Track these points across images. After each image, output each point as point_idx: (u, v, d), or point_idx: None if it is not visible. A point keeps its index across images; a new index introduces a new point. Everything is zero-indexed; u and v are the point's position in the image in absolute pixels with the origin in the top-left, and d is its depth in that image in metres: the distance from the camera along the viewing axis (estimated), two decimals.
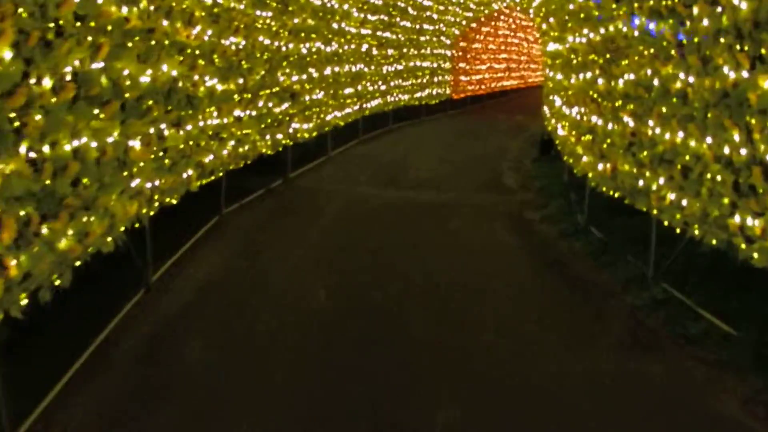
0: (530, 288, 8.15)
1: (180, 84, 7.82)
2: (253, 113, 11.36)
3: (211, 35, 8.84)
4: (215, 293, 7.76)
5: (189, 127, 8.28)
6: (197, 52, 8.41)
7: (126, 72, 6.20)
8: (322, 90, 15.43)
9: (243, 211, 11.48)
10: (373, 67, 19.76)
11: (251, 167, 11.56)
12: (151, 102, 6.88)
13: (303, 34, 13.79)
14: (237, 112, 10.55)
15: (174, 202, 8.14)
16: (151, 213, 7.44)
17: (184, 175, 8.37)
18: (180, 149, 8.04)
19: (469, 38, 29.60)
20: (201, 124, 8.83)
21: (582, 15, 9.97)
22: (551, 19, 13.30)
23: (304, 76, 14.15)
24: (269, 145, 12.36)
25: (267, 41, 11.67)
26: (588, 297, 7.87)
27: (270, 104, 12.14)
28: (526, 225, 10.86)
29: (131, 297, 7.43)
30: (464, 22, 27.47)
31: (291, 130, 13.59)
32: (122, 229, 6.49)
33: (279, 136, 12.86)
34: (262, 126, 11.85)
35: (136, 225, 7.01)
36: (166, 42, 7.34)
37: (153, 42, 6.94)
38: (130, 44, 6.29)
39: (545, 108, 17.85)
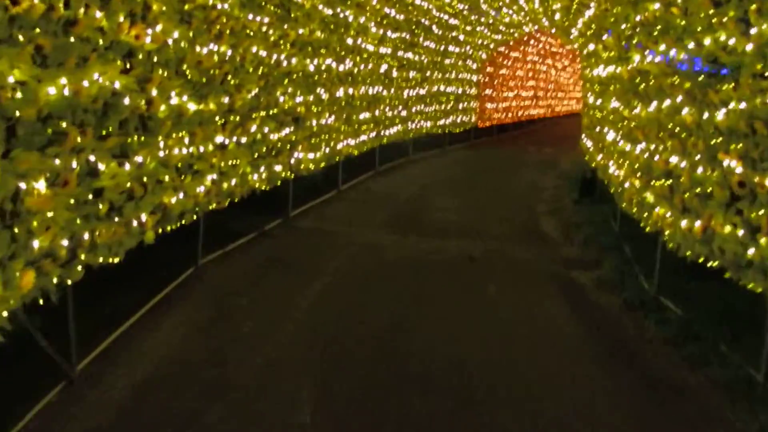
0: (597, 398, 5.87)
1: (126, 100, 5.70)
2: (243, 140, 9.28)
3: (177, 38, 6.73)
4: (158, 395, 5.58)
5: (140, 159, 6.17)
6: (155, 59, 6.31)
7: (11, 79, 4.10)
8: (332, 114, 13.35)
9: (225, 261, 9.37)
10: (392, 91, 17.69)
11: (244, 203, 9.50)
12: (65, 123, 4.76)
13: (310, 48, 11.73)
14: (220, 139, 8.46)
15: (115, 260, 6.00)
16: (71, 280, 5.28)
17: (134, 223, 6.24)
18: (125, 188, 5.94)
19: (497, 63, 27.52)
20: (162, 153, 6.72)
21: (658, 27, 7.80)
22: (605, 37, 11.15)
23: (311, 97, 12.08)
24: (264, 179, 10.27)
25: (263, 53, 9.59)
26: (680, 415, 5.62)
27: (266, 129, 10.07)
28: (577, 292, 8.64)
29: (43, 395, 5.30)
30: (492, 46, 25.39)
31: (293, 161, 11.50)
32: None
33: (277, 167, 10.77)
34: (255, 156, 9.76)
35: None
36: (100, 41, 5.24)
37: (72, 39, 4.83)
38: (20, 37, 4.19)
39: (585, 140, 15.68)
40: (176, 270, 8.41)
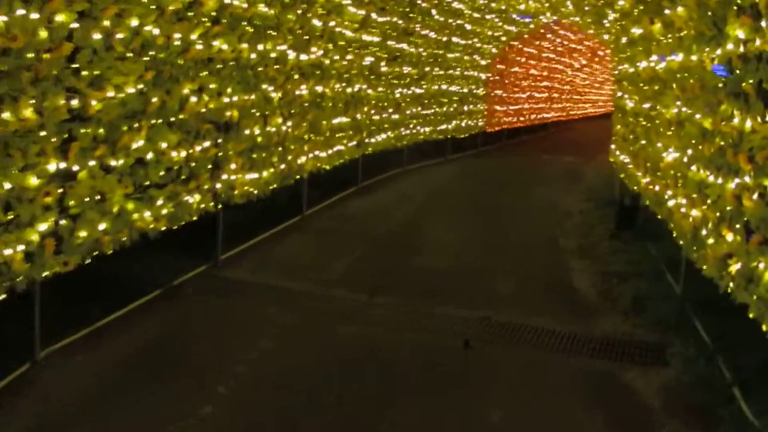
0: None
1: None
2: (115, 163, 5.96)
3: None
4: None
5: None
6: None
7: None
8: (289, 119, 10.01)
9: (87, 347, 6.09)
10: (380, 89, 14.32)
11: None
12: None
13: (249, 28, 8.40)
14: (53, 166, 5.16)
15: None
16: None
17: None
18: None
19: (509, 60, 24.11)
20: None
21: None
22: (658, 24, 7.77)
23: (252, 96, 8.75)
24: (165, 216, 6.97)
25: (153, 30, 6.27)
26: None
27: (164, 145, 6.73)
28: (641, 420, 5.27)
29: None
30: (504, 38, 21.96)
31: (220, 185, 8.19)
32: None
33: (191, 198, 7.48)
34: (146, 184, 6.48)
35: None
36: None
37: None
38: None
39: (618, 154, 12.32)
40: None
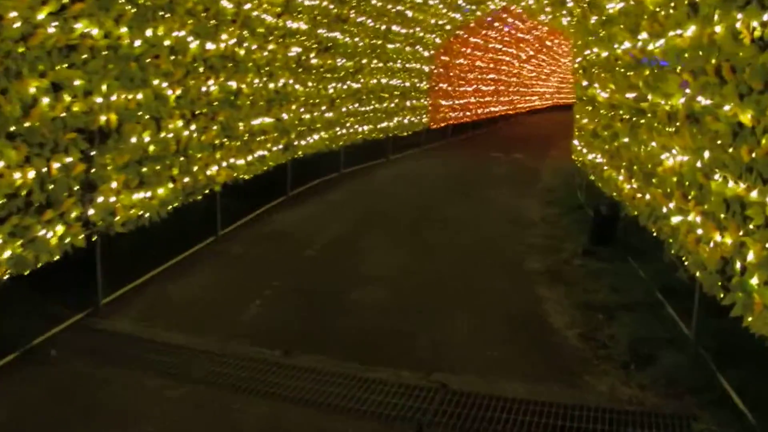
0: None
1: None
2: None
3: None
4: None
5: None
6: None
7: None
8: (194, 121, 8.08)
9: None
10: (311, 84, 12.42)
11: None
12: None
13: (129, 8, 6.49)
14: None
15: None
16: None
17: None
18: None
19: (453, 51, 22.37)
20: None
21: None
22: None
23: (138, 95, 6.81)
24: (5, 262, 5.08)
25: None
26: None
27: None
28: None
29: None
30: (449, 27, 20.19)
31: (93, 212, 6.27)
32: None
33: (49, 232, 5.56)
34: None
35: None
36: None
37: None
38: None
39: (585, 151, 10.65)
40: None
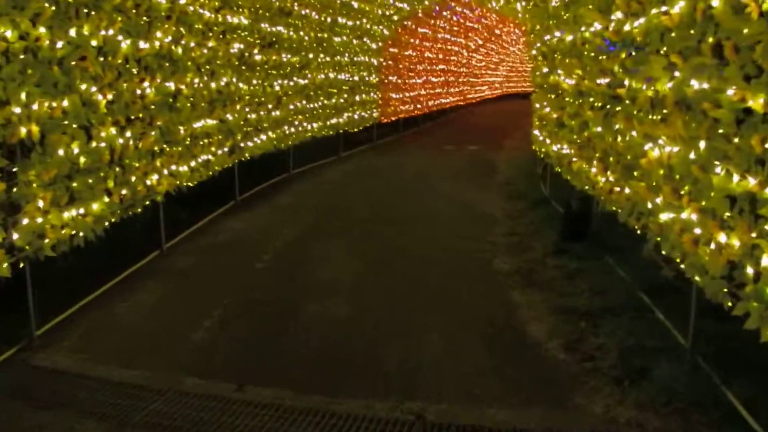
0: None
1: None
2: None
3: None
4: None
5: None
6: None
7: None
8: (129, 128, 7.35)
9: None
10: (255, 82, 11.70)
11: None
12: None
13: (49, 5, 5.79)
14: None
15: None
16: None
17: None
18: None
19: (402, 42, 21.75)
20: None
21: None
22: None
23: (63, 102, 6.09)
24: None
25: None
26: None
27: None
28: None
29: None
30: (396, 18, 19.58)
31: (17, 236, 5.55)
32: None
33: None
34: None
35: None
36: None
37: None
38: None
39: (550, 143, 10.18)
40: None
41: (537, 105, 12.44)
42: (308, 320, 6.58)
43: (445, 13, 22.77)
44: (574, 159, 8.73)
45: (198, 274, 8.10)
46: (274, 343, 6.06)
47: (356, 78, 17.94)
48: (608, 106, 6.97)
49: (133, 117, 7.53)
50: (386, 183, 14.24)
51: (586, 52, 7.78)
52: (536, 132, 12.53)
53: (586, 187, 8.12)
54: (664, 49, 5.31)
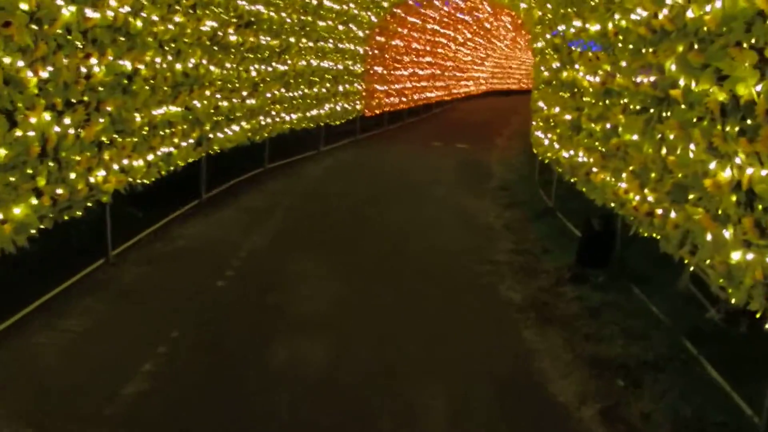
0: None
1: None
2: None
3: None
4: None
5: None
6: None
7: None
8: (70, 114, 6.02)
9: None
10: (229, 66, 10.37)
11: None
12: None
13: None
14: None
15: None
16: None
17: None
18: None
19: (389, 31, 20.45)
20: None
21: None
22: None
23: None
24: None
25: None
26: None
27: None
28: None
29: None
30: (386, 4, 18.26)
31: None
32: None
33: None
34: None
35: None
36: None
37: None
38: None
39: (558, 148, 8.99)
40: None
41: (541, 103, 11.20)
42: (276, 368, 5.26)
43: (436, 2, 21.46)
44: (595, 169, 7.49)
45: (147, 291, 6.77)
46: (231, 406, 4.74)
47: (340, 66, 16.62)
48: (651, 110, 5.72)
49: (74, 100, 6.19)
50: (371, 184, 12.94)
51: (620, 44, 6.52)
52: (539, 134, 11.29)
53: (612, 205, 6.88)
54: (752, 41, 4.08)
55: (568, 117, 8.86)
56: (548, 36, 10.52)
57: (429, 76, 26.37)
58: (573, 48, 8.58)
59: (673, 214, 5.37)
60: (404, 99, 23.17)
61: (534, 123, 12.12)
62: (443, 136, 21.01)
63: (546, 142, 10.57)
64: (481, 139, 20.46)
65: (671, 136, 5.32)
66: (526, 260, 8.07)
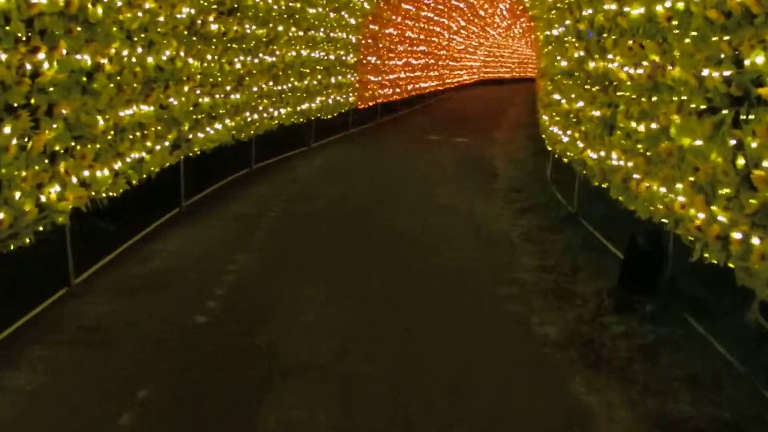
0: None
1: None
2: None
3: None
4: None
5: None
6: None
7: None
8: (12, 119, 4.90)
9: None
10: (210, 57, 9.26)
11: None
12: None
13: None
14: None
15: None
16: None
17: None
18: None
19: (383, 19, 19.33)
20: None
21: None
22: None
23: None
24: None
25: None
26: None
27: None
28: None
29: None
30: None
31: None
32: None
33: None
34: None
35: None
36: None
37: None
38: None
39: (582, 147, 7.93)
40: None
41: (557, 96, 10.12)
42: None
43: None
44: (636, 176, 6.41)
45: (114, 331, 5.64)
46: None
47: (332, 57, 15.49)
48: (725, 111, 4.65)
49: (16, 105, 5.08)
50: (367, 186, 11.82)
51: (676, 30, 5.43)
52: (555, 130, 10.21)
53: (664, 220, 5.81)
54: None
55: (596, 113, 7.77)
56: (567, 22, 9.41)
57: (423, 66, 25.29)
58: (603, 35, 7.48)
59: (756, 241, 4.31)
60: (398, 90, 22.10)
61: (547, 117, 11.04)
62: (440, 129, 19.91)
63: (565, 139, 9.49)
64: (480, 133, 19.38)
65: (753, 144, 4.26)
66: (555, 281, 6.98)
